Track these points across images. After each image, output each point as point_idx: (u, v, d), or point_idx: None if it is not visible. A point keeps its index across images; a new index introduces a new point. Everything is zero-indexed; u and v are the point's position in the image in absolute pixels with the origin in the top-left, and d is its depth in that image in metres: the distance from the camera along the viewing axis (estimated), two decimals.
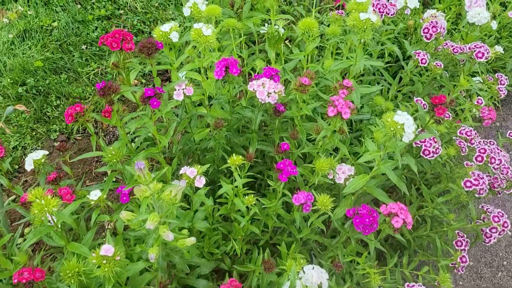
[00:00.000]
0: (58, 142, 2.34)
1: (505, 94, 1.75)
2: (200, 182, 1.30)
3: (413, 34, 2.36)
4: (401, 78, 1.86)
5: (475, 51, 1.59)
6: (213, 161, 1.67)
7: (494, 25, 2.05)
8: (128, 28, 2.85)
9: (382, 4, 1.73)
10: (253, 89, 1.45)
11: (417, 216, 1.75)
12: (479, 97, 1.65)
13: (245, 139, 1.66)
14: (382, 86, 1.68)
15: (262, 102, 1.45)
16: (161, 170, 1.06)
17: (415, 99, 1.72)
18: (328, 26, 1.90)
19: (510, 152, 2.49)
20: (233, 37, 1.79)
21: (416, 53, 1.69)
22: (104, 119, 1.35)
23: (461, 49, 1.73)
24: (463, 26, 2.17)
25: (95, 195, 1.27)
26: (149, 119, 1.33)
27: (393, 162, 1.49)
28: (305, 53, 1.66)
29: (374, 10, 1.73)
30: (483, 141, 1.68)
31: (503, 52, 2.14)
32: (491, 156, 1.51)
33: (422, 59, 1.67)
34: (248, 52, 2.02)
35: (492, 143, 1.61)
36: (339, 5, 2.15)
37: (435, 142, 1.52)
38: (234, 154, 1.40)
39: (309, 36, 1.57)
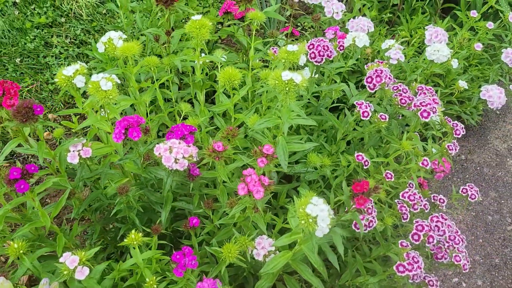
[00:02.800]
0: None
1: (457, 150, 1.57)
2: (83, 273, 1.11)
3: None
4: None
5: (420, 109, 1.40)
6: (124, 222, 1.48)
7: (455, 63, 1.85)
8: (70, 38, 2.61)
9: (323, 46, 1.52)
10: (159, 154, 1.26)
11: None
12: (424, 158, 1.47)
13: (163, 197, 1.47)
14: (317, 143, 1.49)
15: (170, 168, 1.26)
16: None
17: (356, 154, 1.54)
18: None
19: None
20: (155, 77, 1.58)
21: (359, 104, 1.50)
22: None
23: (409, 99, 1.53)
24: (423, 59, 1.98)
25: None
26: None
27: (319, 238, 1.33)
28: (231, 103, 1.46)
29: (313, 52, 1.53)
30: (426, 203, 1.51)
31: (466, 87, 1.96)
32: (429, 235, 1.34)
33: (364, 112, 1.48)
34: (179, 95, 1.83)
35: (435, 217, 1.44)
36: (288, 34, 1.94)
37: (369, 213, 1.35)
38: (134, 230, 1.21)
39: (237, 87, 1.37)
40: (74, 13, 2.72)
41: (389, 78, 1.49)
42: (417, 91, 1.76)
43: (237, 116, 1.50)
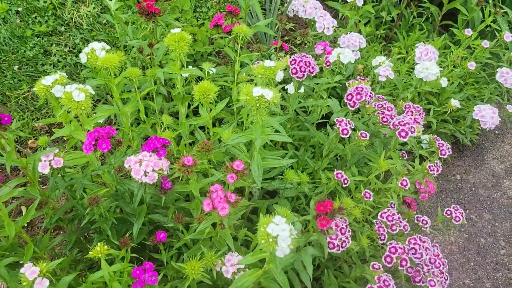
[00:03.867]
0: None
1: (439, 171, 1.53)
2: (42, 285, 1.11)
3: None
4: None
5: (398, 129, 1.37)
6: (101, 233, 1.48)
7: (444, 82, 1.82)
8: (69, 47, 2.65)
9: (305, 62, 1.51)
10: (129, 166, 1.25)
11: None
12: (404, 178, 1.44)
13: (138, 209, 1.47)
14: (295, 160, 1.46)
15: (140, 181, 1.25)
16: None
17: (335, 172, 1.51)
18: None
19: (467, 211, 2.27)
20: (137, 88, 1.59)
21: (338, 121, 1.48)
22: None
23: (391, 117, 1.51)
24: (415, 76, 1.95)
25: None
26: None
27: (292, 255, 1.30)
28: (208, 117, 1.45)
29: (295, 68, 1.51)
30: (405, 225, 1.47)
31: (459, 106, 1.92)
32: (402, 258, 1.30)
33: (343, 130, 1.46)
34: (166, 106, 1.83)
35: (413, 240, 1.40)
36: (276, 48, 1.93)
37: (342, 233, 1.32)
38: (102, 243, 1.20)
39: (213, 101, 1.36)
40: (74, 22, 2.76)
41: (370, 95, 1.46)
42: (404, 109, 1.73)
43: (215, 130, 1.50)
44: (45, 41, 2.65)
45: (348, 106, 1.47)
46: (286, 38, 2.91)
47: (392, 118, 1.52)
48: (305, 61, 1.52)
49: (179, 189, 1.39)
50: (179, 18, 2.27)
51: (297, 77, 1.53)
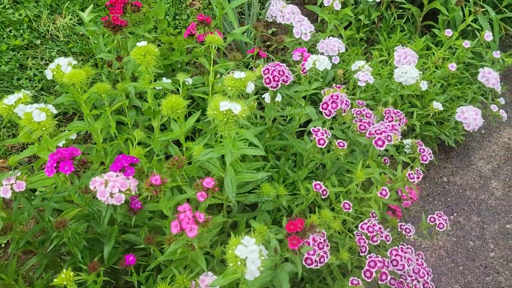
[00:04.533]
0: None
1: (420, 178, 1.49)
2: None
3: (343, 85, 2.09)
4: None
5: (374, 137, 1.33)
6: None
7: (424, 85, 1.79)
8: (46, 60, 2.59)
9: (279, 71, 1.47)
10: (94, 188, 1.20)
11: None
12: (383, 188, 1.40)
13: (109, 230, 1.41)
14: (277, 169, 1.42)
15: (106, 203, 1.20)
16: None
17: (313, 183, 1.47)
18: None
19: (453, 215, 2.23)
20: (107, 103, 1.54)
21: (314, 131, 1.43)
22: None
23: (369, 125, 1.46)
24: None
25: None
26: None
27: (269, 273, 1.26)
28: (179, 131, 1.40)
29: (268, 77, 1.47)
30: (387, 235, 1.43)
31: (441, 109, 1.89)
32: (382, 271, 1.26)
33: (320, 140, 1.41)
34: (142, 119, 1.78)
35: (394, 251, 1.35)
36: (253, 56, 1.88)
37: (320, 248, 1.27)
38: (67, 269, 1.15)
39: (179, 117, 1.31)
40: (51, 34, 2.70)
41: (346, 103, 1.42)
42: (384, 114, 1.69)
43: (187, 145, 1.45)
44: (20, 54, 2.59)
45: (324, 115, 1.43)
46: (268, 43, 2.87)
47: (370, 126, 1.48)
48: (279, 70, 1.48)
49: (151, 207, 1.35)
50: (153, 29, 2.22)
51: (271, 87, 1.48)
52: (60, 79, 1.44)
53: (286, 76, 1.48)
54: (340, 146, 1.44)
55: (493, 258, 2.07)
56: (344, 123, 1.53)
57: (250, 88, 1.32)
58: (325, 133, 1.44)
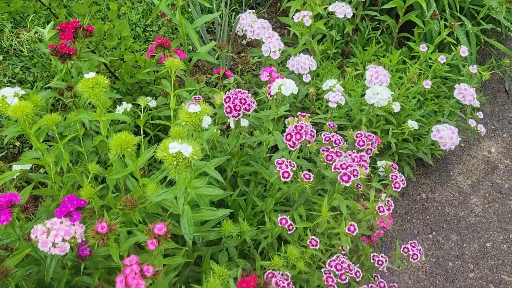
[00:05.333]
0: None
1: (391, 209, 1.42)
2: None
3: (314, 106, 2.02)
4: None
5: (340, 172, 1.25)
6: None
7: (397, 107, 1.71)
8: (8, 77, 2.47)
9: (240, 99, 1.38)
10: (35, 237, 1.11)
11: None
12: (351, 223, 1.32)
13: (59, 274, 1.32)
14: (232, 210, 1.34)
15: (49, 253, 1.11)
16: None
17: (279, 217, 1.39)
18: None
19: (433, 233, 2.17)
20: (58, 136, 1.44)
21: (279, 163, 1.35)
22: None
23: (337, 155, 1.39)
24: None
25: None
26: None
27: None
28: (134, 167, 1.31)
29: (229, 106, 1.38)
30: (358, 271, 1.36)
31: (417, 128, 1.82)
32: None
33: (284, 173, 1.33)
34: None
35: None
36: (220, 76, 1.79)
37: None
38: None
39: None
40: (14, 49, 2.58)
41: (311, 134, 1.34)
42: (355, 138, 1.61)
43: (144, 182, 1.36)
44: None
45: (288, 146, 1.35)
46: (243, 54, 2.78)
47: (337, 156, 1.40)
48: (240, 99, 1.39)
49: (103, 252, 1.26)
50: (117, 45, 2.12)
51: (233, 116, 1.39)
52: (6, 112, 1.34)
53: (248, 105, 1.39)
54: (306, 178, 1.35)
55: (472, 279, 2.01)
56: (310, 152, 1.45)
57: (207, 122, 1.23)
58: (290, 165, 1.36)
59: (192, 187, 1.21)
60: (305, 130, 1.32)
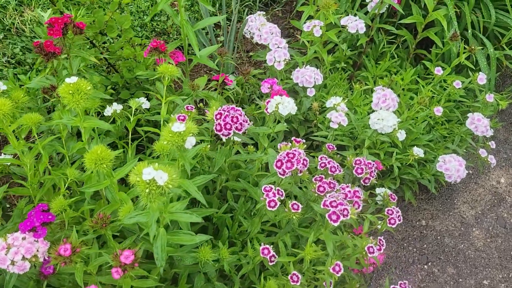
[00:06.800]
0: None
1: (382, 249, 1.32)
2: None
3: (317, 120, 1.91)
4: None
5: (328, 210, 1.16)
6: None
7: (402, 135, 1.60)
8: (8, 57, 2.40)
9: (232, 117, 1.28)
10: None
11: None
12: (337, 263, 1.23)
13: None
14: (210, 237, 1.25)
15: (8, 270, 1.04)
16: None
17: (261, 247, 1.30)
18: None
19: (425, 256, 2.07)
20: (37, 138, 1.36)
21: (266, 190, 1.26)
22: None
23: (330, 187, 1.29)
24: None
25: None
26: None
27: None
28: (109, 182, 1.23)
29: (219, 124, 1.29)
30: None
31: (422, 155, 1.71)
32: None
33: (270, 202, 1.24)
34: None
35: None
36: (219, 83, 1.69)
37: None
38: None
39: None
40: (16, 28, 2.50)
41: (303, 163, 1.24)
42: (354, 165, 1.52)
43: (121, 197, 1.27)
44: None
45: (278, 174, 1.25)
46: (251, 53, 2.67)
47: (331, 187, 1.31)
48: (232, 116, 1.30)
49: (68, 270, 1.18)
50: (114, 38, 2.02)
51: (222, 134, 1.30)
52: None
53: (240, 124, 1.30)
54: (294, 209, 1.26)
55: None
56: (302, 181, 1.36)
57: (190, 143, 1.14)
58: (278, 193, 1.26)
59: (168, 212, 1.13)
60: (297, 159, 1.23)
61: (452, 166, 1.73)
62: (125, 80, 2.05)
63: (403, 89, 2.09)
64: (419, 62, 2.31)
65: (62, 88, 1.18)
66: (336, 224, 1.15)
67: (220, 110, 1.31)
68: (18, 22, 2.50)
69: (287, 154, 1.24)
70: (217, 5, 2.80)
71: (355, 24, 1.80)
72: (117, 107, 1.60)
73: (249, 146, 1.61)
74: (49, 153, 1.48)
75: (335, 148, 1.63)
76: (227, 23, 2.42)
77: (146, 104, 1.72)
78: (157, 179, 0.97)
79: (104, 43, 2.20)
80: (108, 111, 1.59)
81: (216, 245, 1.58)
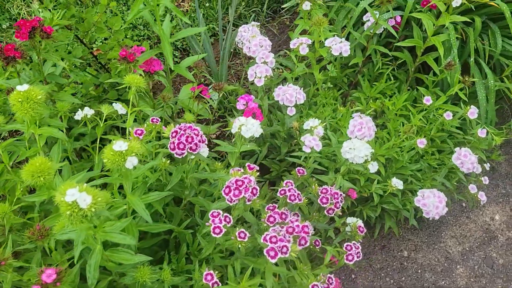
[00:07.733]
0: None
1: (331, 287, 1.27)
2: None
3: (298, 139, 1.86)
4: None
5: (267, 246, 1.11)
6: None
7: (374, 167, 1.53)
8: None
9: (187, 137, 1.25)
10: None
11: None
12: None
13: None
14: (150, 258, 1.22)
15: None
16: None
17: (205, 272, 1.27)
18: None
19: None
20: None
21: (213, 215, 1.22)
22: None
23: (282, 218, 1.24)
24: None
25: None
26: None
27: None
28: (45, 195, 1.22)
29: (173, 143, 1.26)
30: None
31: (401, 187, 1.64)
32: None
33: (215, 228, 1.19)
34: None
35: None
36: (196, 95, 1.66)
37: None
38: None
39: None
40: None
41: (252, 192, 1.20)
42: (320, 194, 1.46)
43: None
44: None
45: (226, 201, 1.21)
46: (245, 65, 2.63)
47: (282, 218, 1.26)
48: (187, 136, 1.26)
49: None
50: (107, 39, 2.02)
51: (176, 154, 1.27)
52: None
53: (195, 144, 1.26)
54: (240, 237, 1.22)
55: None
56: (251, 209, 1.31)
57: (132, 163, 1.11)
58: (225, 220, 1.22)
59: (102, 231, 1.11)
60: (245, 187, 1.18)
61: (430, 202, 1.65)
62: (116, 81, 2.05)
63: (395, 114, 2.01)
64: (419, 85, 2.21)
65: (12, 96, 1.17)
66: (273, 261, 1.10)
67: (176, 128, 1.28)
68: (24, 13, 2.54)
69: (236, 181, 1.20)
70: (222, 7, 2.76)
71: (338, 46, 1.73)
72: (88, 111, 1.60)
73: (216, 163, 1.57)
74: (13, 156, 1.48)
75: (305, 173, 1.57)
76: (223, 29, 2.38)
77: (122, 110, 1.70)
78: (80, 202, 0.95)
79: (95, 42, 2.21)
80: (78, 115, 1.58)
81: (173, 262, 1.57)
